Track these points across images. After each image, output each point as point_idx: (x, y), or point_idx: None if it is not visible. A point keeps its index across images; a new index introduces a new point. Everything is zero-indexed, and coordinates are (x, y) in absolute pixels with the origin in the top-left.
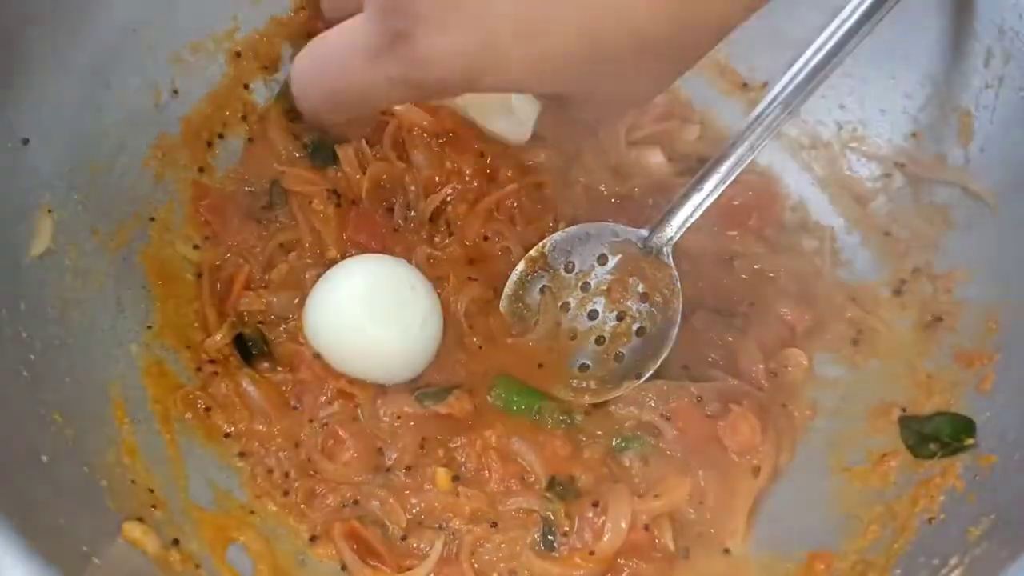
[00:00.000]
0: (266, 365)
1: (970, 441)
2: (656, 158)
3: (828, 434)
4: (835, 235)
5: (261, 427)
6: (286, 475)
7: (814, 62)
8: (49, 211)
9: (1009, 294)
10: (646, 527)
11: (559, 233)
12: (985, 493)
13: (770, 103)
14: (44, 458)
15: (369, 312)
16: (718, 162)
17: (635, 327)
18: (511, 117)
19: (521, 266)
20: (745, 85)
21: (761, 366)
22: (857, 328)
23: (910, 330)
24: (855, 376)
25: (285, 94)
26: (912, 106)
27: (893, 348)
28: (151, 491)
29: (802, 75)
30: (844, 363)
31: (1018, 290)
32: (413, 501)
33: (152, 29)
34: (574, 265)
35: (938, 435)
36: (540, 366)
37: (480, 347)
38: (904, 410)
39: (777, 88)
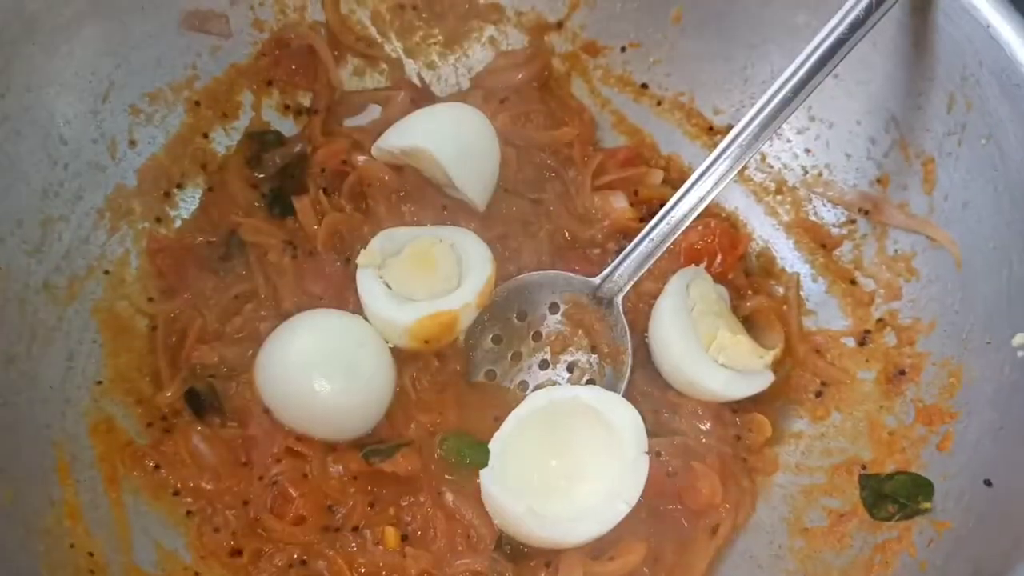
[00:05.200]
0: (217, 420)
1: (927, 505)
2: (620, 203)
3: (789, 491)
4: (800, 282)
5: (210, 485)
6: (233, 534)
7: (768, 108)
8: None
9: (971, 350)
10: None
11: (511, 281)
12: (938, 561)
13: (722, 151)
14: None
15: (316, 369)
16: (669, 211)
17: (584, 379)
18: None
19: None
20: (711, 128)
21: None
22: (821, 380)
23: (873, 383)
24: (818, 430)
25: (245, 142)
26: (877, 151)
27: (856, 401)
28: (91, 555)
29: (757, 122)
30: (807, 416)
31: (979, 346)
32: (360, 561)
33: (109, 80)
34: (526, 314)
35: (896, 495)
36: (496, 419)
37: (434, 400)
38: (864, 468)
39: (729, 137)
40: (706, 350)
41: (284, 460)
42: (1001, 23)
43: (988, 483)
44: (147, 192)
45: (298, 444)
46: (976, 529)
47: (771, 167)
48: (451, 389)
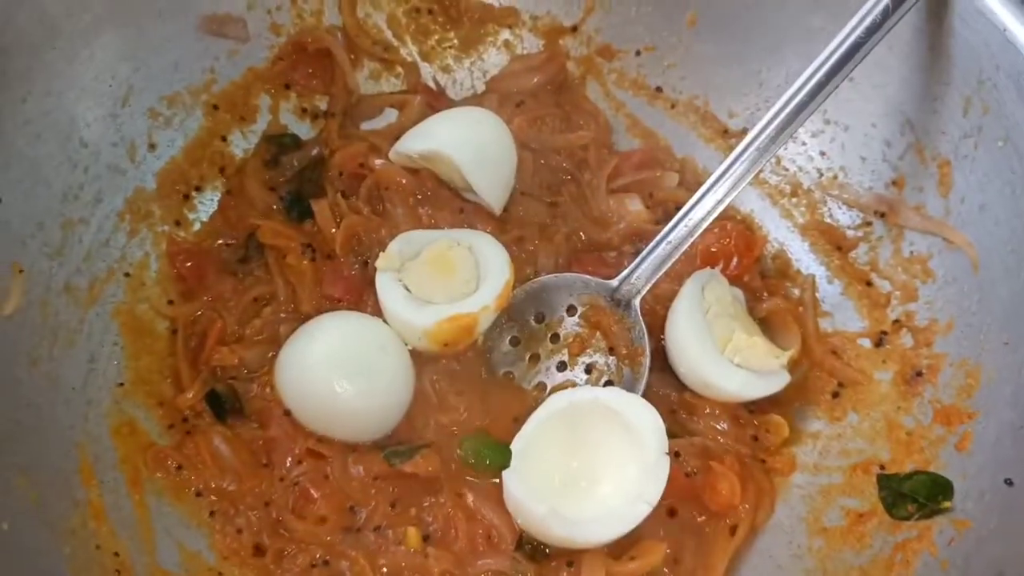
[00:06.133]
0: (238, 422)
1: (947, 504)
2: (635, 206)
3: (807, 491)
4: (816, 284)
5: (231, 486)
6: (256, 535)
7: (785, 112)
8: (20, 270)
9: (988, 350)
10: None
11: (528, 283)
12: (959, 560)
13: (739, 155)
14: (5, 525)
15: (336, 372)
16: (686, 215)
17: (603, 381)
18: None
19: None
20: (726, 131)
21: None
22: (838, 381)
23: (890, 384)
24: (835, 430)
25: (263, 145)
26: (892, 154)
27: (873, 402)
28: (116, 555)
29: (773, 126)
30: (824, 417)
31: (997, 346)
32: (382, 562)
33: (128, 84)
34: (543, 316)
35: (915, 495)
36: (515, 420)
37: (453, 402)
38: (883, 468)
39: (746, 140)
40: (722, 351)
41: (305, 461)
42: (1017, 27)
43: (1009, 482)
44: (166, 195)
45: (319, 446)
46: (998, 528)
47: (786, 170)
48: (470, 391)
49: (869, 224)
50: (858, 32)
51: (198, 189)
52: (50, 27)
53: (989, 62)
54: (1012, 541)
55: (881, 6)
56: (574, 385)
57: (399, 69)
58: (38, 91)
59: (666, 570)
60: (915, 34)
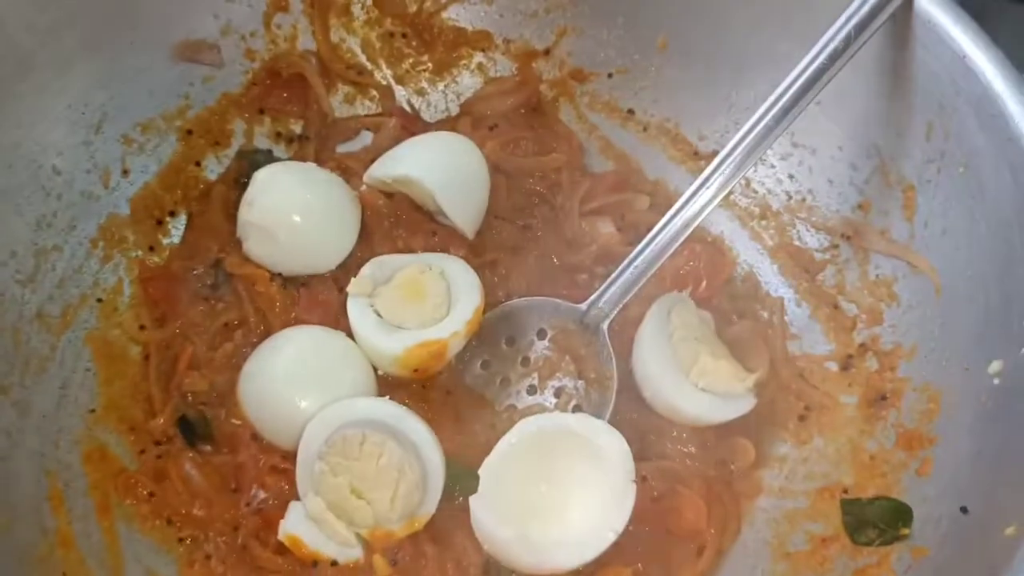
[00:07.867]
0: (208, 448)
1: (906, 531)
2: (607, 228)
3: (772, 514)
4: (785, 306)
5: (201, 512)
6: (224, 561)
7: (753, 135)
8: None
9: (949, 376)
10: None
11: (500, 307)
12: None
13: (708, 177)
14: None
15: (296, 384)
16: (654, 238)
17: (571, 405)
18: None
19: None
20: (696, 153)
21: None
22: (804, 404)
23: (855, 408)
24: (801, 454)
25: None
26: (858, 177)
27: (839, 426)
28: None
29: (742, 148)
30: (791, 440)
31: (957, 372)
32: None
33: (102, 111)
34: (514, 339)
35: (876, 521)
36: (484, 445)
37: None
38: (846, 492)
39: (715, 162)
40: (687, 375)
41: (270, 485)
42: (977, 54)
43: (964, 510)
44: (140, 221)
45: (283, 462)
46: (952, 556)
47: (756, 192)
48: (439, 415)
49: (836, 247)
50: (822, 58)
51: (172, 214)
52: (23, 60)
53: (950, 88)
54: (967, 570)
55: (844, 32)
56: (543, 409)
57: (373, 92)
58: (9, 123)
59: None
60: (879, 60)
